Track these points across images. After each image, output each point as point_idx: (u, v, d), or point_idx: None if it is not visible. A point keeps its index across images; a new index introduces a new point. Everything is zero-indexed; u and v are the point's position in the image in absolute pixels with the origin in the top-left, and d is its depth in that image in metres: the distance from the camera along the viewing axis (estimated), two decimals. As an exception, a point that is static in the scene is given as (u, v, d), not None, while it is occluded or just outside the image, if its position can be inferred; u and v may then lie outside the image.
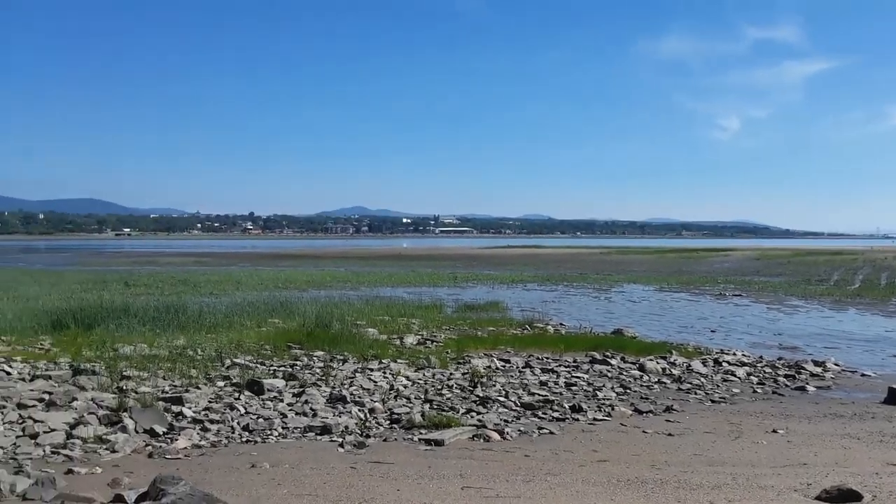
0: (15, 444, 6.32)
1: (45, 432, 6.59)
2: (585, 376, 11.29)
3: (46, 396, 7.98)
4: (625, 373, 11.76)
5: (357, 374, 10.58)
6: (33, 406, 7.57)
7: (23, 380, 9.26)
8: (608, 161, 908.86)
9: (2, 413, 7.12)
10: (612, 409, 9.22)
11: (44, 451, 6.17)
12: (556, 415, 8.76)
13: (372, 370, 10.97)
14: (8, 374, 9.71)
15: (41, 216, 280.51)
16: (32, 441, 6.41)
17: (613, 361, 12.58)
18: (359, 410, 8.41)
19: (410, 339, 14.57)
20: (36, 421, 6.96)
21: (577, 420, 8.61)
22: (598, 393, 10.10)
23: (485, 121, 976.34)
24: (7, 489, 4.80)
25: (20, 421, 7.01)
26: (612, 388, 10.54)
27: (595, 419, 8.67)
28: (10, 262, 54.12)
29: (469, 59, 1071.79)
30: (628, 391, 10.41)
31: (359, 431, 7.64)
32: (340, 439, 7.22)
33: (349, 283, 32.02)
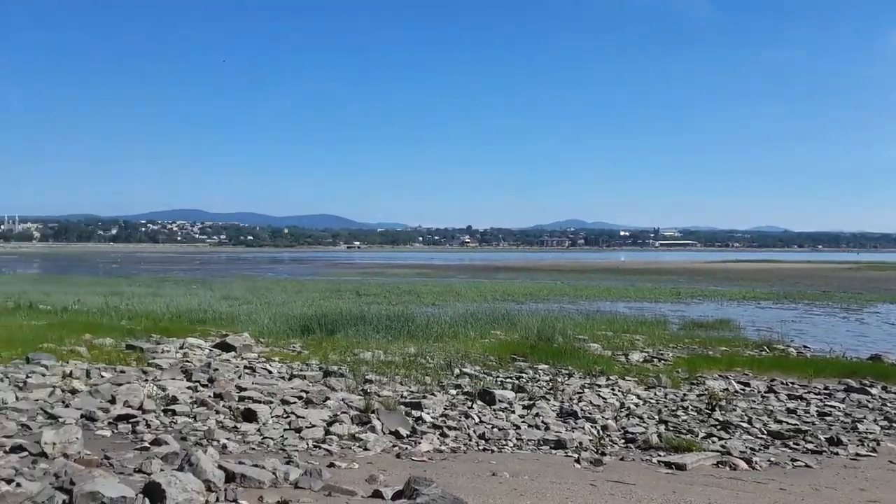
0: (282, 436, 7.02)
1: (306, 427, 7.25)
2: (841, 406, 10.14)
3: (304, 395, 8.81)
4: (889, 404, 10.40)
5: (585, 390, 10.42)
6: (294, 402, 8.38)
7: (283, 378, 10.31)
8: (854, 166, 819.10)
9: (270, 407, 7.96)
10: (878, 444, 8.18)
11: (307, 444, 6.79)
12: (810, 447, 7.95)
13: (600, 386, 10.76)
14: (270, 372, 10.86)
15: (286, 231, 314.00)
16: (297, 434, 7.08)
17: (874, 391, 11.18)
18: (591, 427, 8.26)
19: (636, 356, 14.10)
20: (297, 416, 7.69)
21: (837, 454, 7.73)
22: (857, 425, 9.01)
23: (707, 125, 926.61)
24: (281, 477, 5.32)
25: (285, 415, 7.79)
26: (875, 420, 9.36)
27: (858, 454, 7.73)
28: (262, 272, 60.91)
29: (691, 59, 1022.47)
30: (895, 425, 9.17)
31: (593, 448, 7.49)
32: (576, 455, 7.13)
33: (566, 297, 31.85)
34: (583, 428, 8.22)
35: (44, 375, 9.58)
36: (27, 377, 9.33)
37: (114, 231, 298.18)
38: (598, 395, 10.02)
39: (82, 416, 7.48)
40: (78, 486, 4.60)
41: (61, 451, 5.88)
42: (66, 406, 7.89)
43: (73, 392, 8.69)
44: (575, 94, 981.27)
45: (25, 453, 5.92)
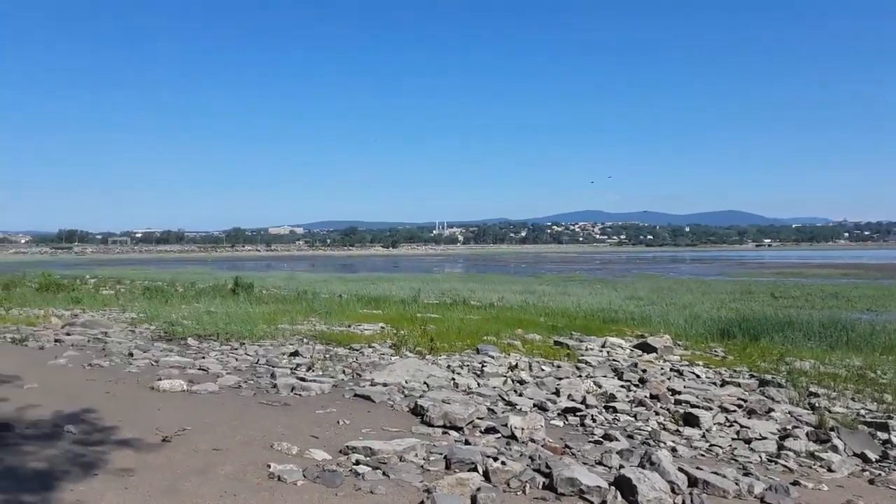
0: (731, 445, 6.78)
1: (756, 439, 6.88)
2: None
3: (742, 403, 8.39)
4: None
5: None
6: (734, 411, 8.03)
7: (713, 384, 9.97)
8: None
9: (711, 413, 7.75)
10: None
11: (759, 457, 6.43)
12: None
13: None
14: (697, 377, 10.61)
15: (687, 229, 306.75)
16: (746, 445, 6.77)
17: None
18: None
19: None
20: (742, 426, 7.35)
21: None
22: None
23: None
24: (745, 489, 5.12)
25: (728, 424, 7.52)
26: None
27: None
28: (663, 271, 60.29)
29: None
30: None
31: None
32: None
33: None
34: None
35: (492, 366, 10.83)
36: (482, 366, 10.66)
37: (523, 233, 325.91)
38: None
39: (534, 405, 8.24)
40: (556, 471, 5.04)
41: (528, 437, 6.55)
42: (520, 395, 8.78)
43: (521, 382, 9.64)
44: None
45: (498, 434, 6.73)
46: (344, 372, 10.08)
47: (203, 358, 11.03)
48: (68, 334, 13.58)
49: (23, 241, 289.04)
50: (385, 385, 9.02)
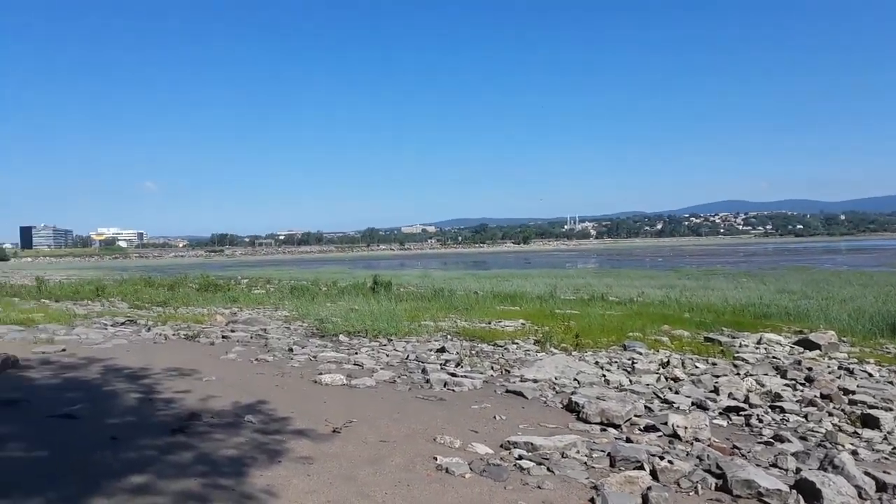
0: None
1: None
2: None
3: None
4: None
5: None
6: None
7: (889, 383, 9.23)
8: None
9: (891, 413, 7.18)
10: None
11: (956, 463, 5.89)
12: None
13: None
14: (870, 375, 9.85)
15: (842, 217, 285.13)
16: (939, 450, 6.21)
17: None
18: None
19: None
20: (932, 429, 6.75)
21: None
22: None
23: None
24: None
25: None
26: None
27: None
28: (817, 263, 56.33)
29: None
30: None
31: None
32: None
33: None
34: None
35: (642, 362, 10.56)
36: (632, 363, 10.43)
37: (658, 226, 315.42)
38: None
39: (693, 403, 7.96)
40: (730, 472, 4.87)
41: (693, 436, 6.34)
42: (675, 393, 8.51)
43: (676, 380, 9.35)
44: None
45: (660, 433, 6.57)
46: (492, 368, 10.19)
47: (356, 354, 11.52)
48: (232, 331, 14.62)
49: (181, 245, 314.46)
50: (535, 381, 9.04)
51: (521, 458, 5.63)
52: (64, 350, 11.34)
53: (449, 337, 13.58)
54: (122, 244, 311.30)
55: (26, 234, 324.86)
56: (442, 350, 11.74)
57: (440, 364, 10.46)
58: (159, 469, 5.04)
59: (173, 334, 14.11)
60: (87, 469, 5.00)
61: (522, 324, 15.77)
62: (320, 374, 9.37)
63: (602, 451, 5.83)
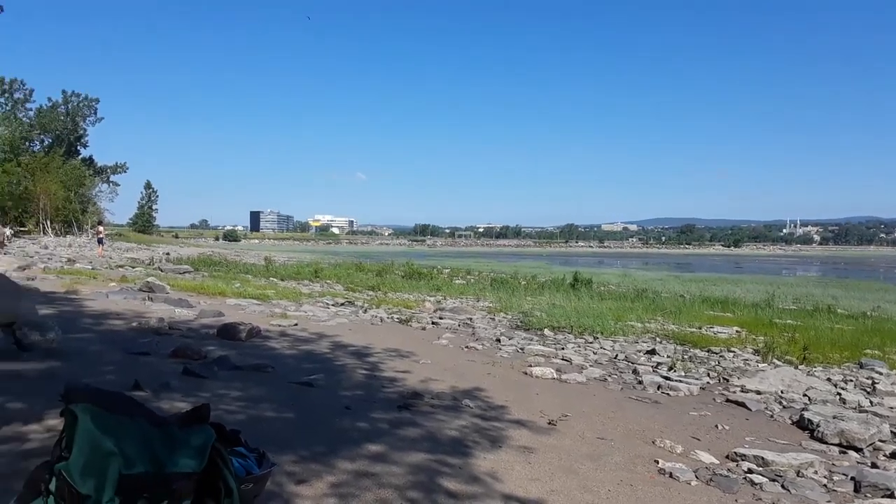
0: None
1: None
2: None
3: None
4: None
5: None
6: None
7: None
8: None
9: None
10: None
11: None
12: None
13: None
14: None
15: None
16: None
17: None
18: None
19: None
20: None
21: None
22: None
23: None
24: None
25: None
26: None
27: None
28: None
29: None
30: None
31: None
32: None
33: None
34: None
35: (884, 383, 9.50)
36: (872, 382, 9.42)
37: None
38: None
39: (952, 434, 7.02)
40: None
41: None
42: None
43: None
44: None
45: None
46: (709, 375, 9.70)
47: (562, 349, 11.51)
48: (440, 318, 15.24)
49: (386, 234, 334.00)
50: (758, 393, 8.47)
51: (750, 471, 5.31)
52: (296, 324, 12.48)
53: (658, 339, 13.13)
54: (335, 230, 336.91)
55: (255, 219, 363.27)
56: (652, 352, 11.39)
57: (651, 366, 10.15)
58: (391, 442, 5.39)
59: (387, 317, 15.00)
60: (329, 433, 5.48)
61: (737, 331, 14.84)
62: (530, 366, 9.48)
63: (844, 474, 5.34)
